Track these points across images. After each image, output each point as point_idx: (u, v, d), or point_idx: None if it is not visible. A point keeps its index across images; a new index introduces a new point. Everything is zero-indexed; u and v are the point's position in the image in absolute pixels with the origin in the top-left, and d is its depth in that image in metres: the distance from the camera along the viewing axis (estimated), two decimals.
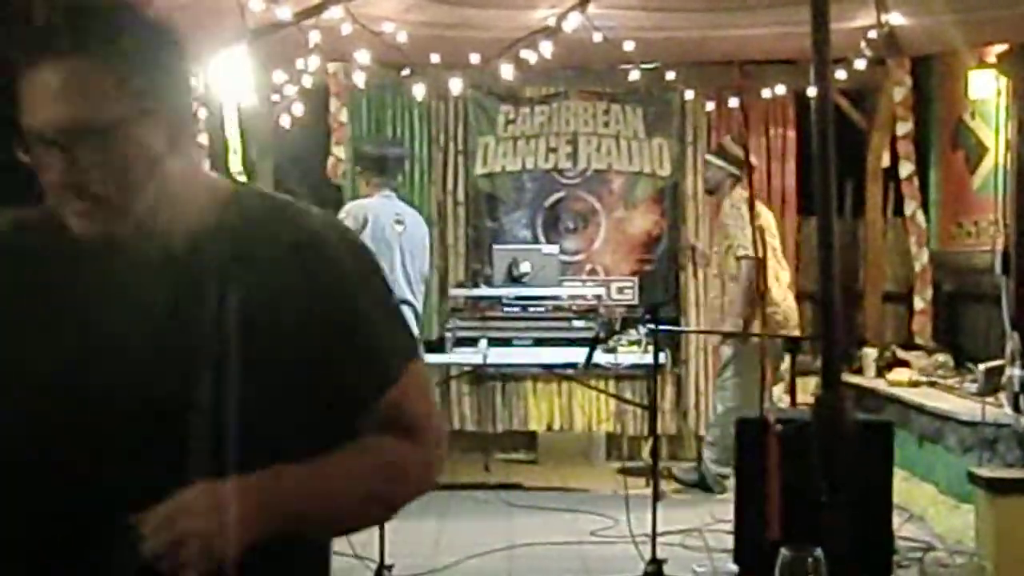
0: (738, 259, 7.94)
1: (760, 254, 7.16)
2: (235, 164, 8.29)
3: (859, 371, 8.55)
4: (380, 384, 1.90)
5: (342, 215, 7.21)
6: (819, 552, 2.11)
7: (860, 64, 8.00)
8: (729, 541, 5.78)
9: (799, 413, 5.74)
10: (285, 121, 8.31)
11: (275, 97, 8.23)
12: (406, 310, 7.59)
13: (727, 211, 8.11)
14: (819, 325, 1.72)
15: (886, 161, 9.32)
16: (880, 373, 8.43)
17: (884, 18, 7.44)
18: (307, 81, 7.79)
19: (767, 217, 8.13)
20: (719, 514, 7.05)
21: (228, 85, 7.60)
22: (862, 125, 9.35)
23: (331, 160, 8.57)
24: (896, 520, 5.55)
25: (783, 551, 2.20)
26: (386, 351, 1.92)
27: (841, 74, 8.02)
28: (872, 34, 7.63)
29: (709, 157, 8.60)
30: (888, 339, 9.21)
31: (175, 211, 1.81)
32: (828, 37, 1.64)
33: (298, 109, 8.21)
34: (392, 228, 7.20)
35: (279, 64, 7.86)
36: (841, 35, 7.43)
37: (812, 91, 1.59)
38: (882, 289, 9.56)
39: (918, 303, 8.97)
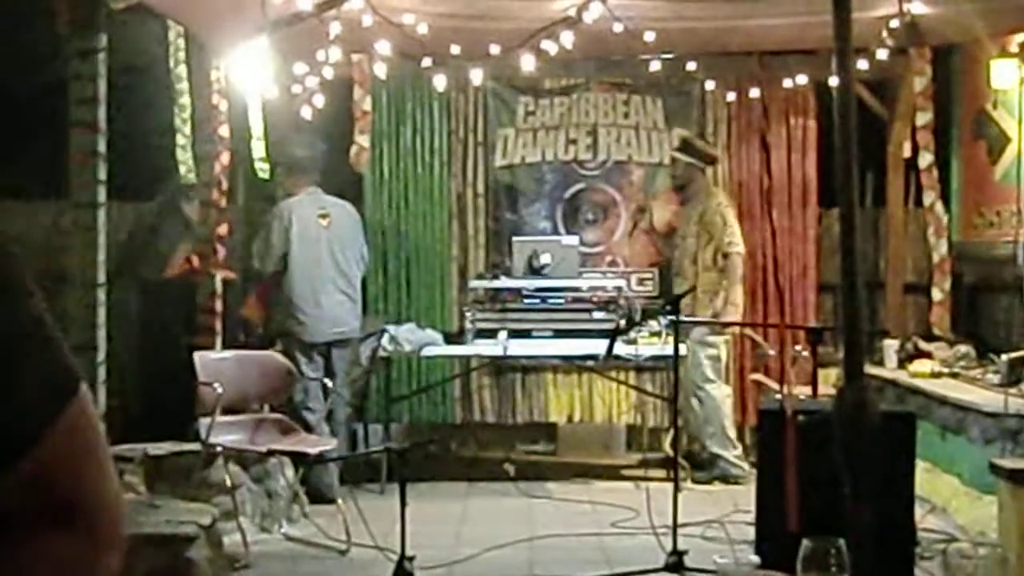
0: (726, 256, 8.38)
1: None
2: (258, 150, 8.31)
3: (880, 362, 8.52)
4: (11, 445, 1.25)
5: (270, 217, 7.54)
6: (841, 543, 2.11)
7: (882, 54, 7.97)
8: (751, 532, 5.78)
9: (820, 404, 5.73)
10: (306, 112, 8.33)
11: (296, 88, 8.24)
12: (343, 301, 7.75)
13: (711, 215, 8.48)
14: (841, 316, 1.71)
15: (907, 151, 9.28)
16: (901, 364, 8.40)
17: (906, 7, 7.41)
18: (328, 72, 7.79)
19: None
20: (741, 505, 7.04)
21: (250, 76, 7.62)
22: (883, 115, 9.32)
23: (355, 148, 8.58)
24: (918, 511, 5.54)
25: (805, 542, 2.20)
26: (27, 391, 1.27)
27: (863, 64, 7.98)
28: (894, 23, 7.60)
29: (675, 154, 8.73)
30: (910, 330, 9.18)
31: None
32: (850, 27, 1.64)
33: (319, 100, 8.22)
34: (316, 223, 7.67)
35: (300, 56, 7.88)
36: (863, 25, 7.41)
37: (833, 81, 1.59)
38: (903, 280, 9.52)
39: (936, 294, 8.94)
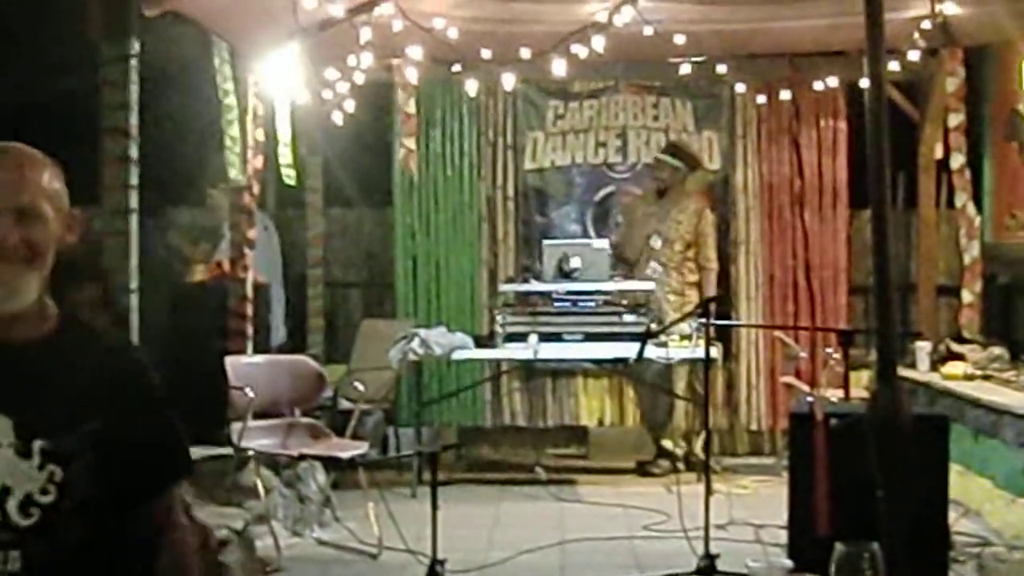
0: (702, 269, 8.77)
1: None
2: (285, 157, 8.32)
3: (912, 365, 8.48)
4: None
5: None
6: (875, 547, 2.10)
7: (913, 55, 7.93)
8: (783, 536, 5.76)
9: (852, 407, 5.71)
10: (337, 118, 8.34)
11: (327, 94, 8.26)
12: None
13: (704, 225, 8.80)
14: (873, 318, 1.71)
15: (939, 153, 9.22)
16: (934, 367, 8.35)
17: (938, 8, 7.38)
18: (359, 78, 7.81)
19: None
20: (773, 508, 7.01)
21: (280, 82, 7.65)
22: (914, 116, 9.27)
23: (402, 151, 8.60)
24: (952, 515, 5.51)
25: (838, 546, 2.19)
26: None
27: (894, 65, 7.94)
28: (926, 24, 7.56)
29: (662, 156, 8.81)
30: (942, 332, 9.12)
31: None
32: (882, 28, 1.63)
33: (350, 106, 8.23)
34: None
35: (331, 61, 7.90)
36: (894, 26, 7.37)
37: (864, 83, 1.59)
38: (935, 282, 9.46)
39: (966, 296, 8.88)
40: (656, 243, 8.70)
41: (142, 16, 5.71)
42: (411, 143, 8.73)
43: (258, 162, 7.95)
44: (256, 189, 8.04)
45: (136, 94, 5.56)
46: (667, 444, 8.68)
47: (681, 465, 8.46)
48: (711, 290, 8.61)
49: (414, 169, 8.96)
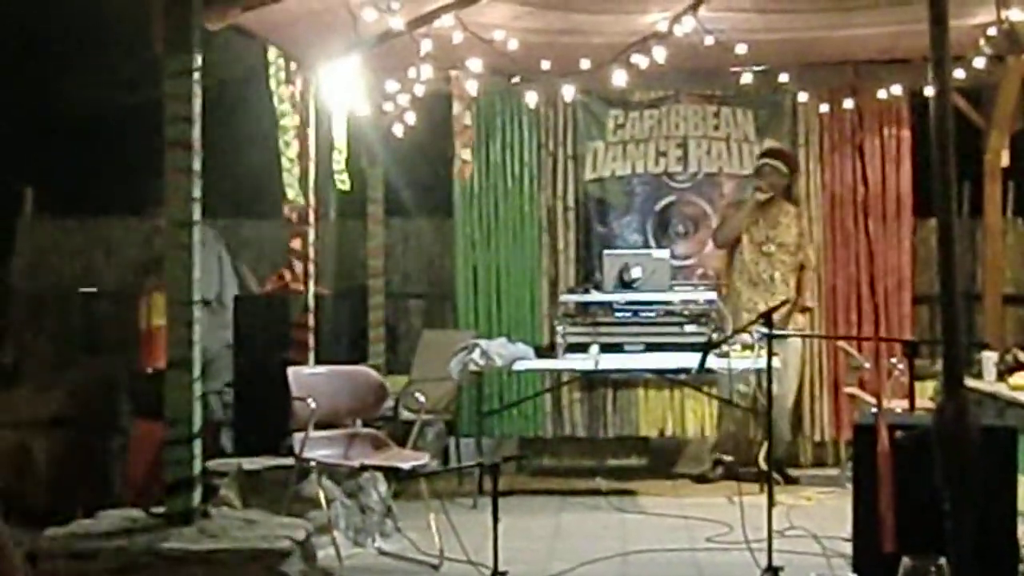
0: (804, 270, 8.82)
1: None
2: (338, 163, 8.33)
3: (979, 375, 8.37)
4: None
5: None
6: (942, 561, 2.07)
7: (978, 62, 7.84)
8: (847, 548, 5.70)
9: (918, 419, 5.64)
10: (397, 130, 8.37)
11: (387, 106, 8.29)
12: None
13: (806, 226, 8.94)
14: (938, 328, 1.68)
15: (1005, 160, 9.12)
16: (1001, 377, 8.23)
17: (1004, 14, 7.28)
18: (419, 90, 7.84)
19: None
20: (837, 520, 6.94)
21: (339, 91, 7.68)
22: (980, 124, 9.17)
23: (457, 163, 8.65)
24: (1021, 528, 5.42)
25: (905, 560, 2.16)
26: None
27: (959, 72, 7.86)
28: (991, 31, 7.47)
29: (769, 162, 8.69)
30: (1009, 342, 9.00)
31: None
32: (947, 36, 1.61)
33: (410, 118, 8.26)
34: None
35: (391, 73, 7.93)
36: (959, 33, 7.29)
37: (929, 90, 1.57)
38: (1001, 290, 9.35)
39: None
40: (769, 248, 8.66)
41: (207, 31, 5.77)
42: (467, 154, 8.75)
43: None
44: (312, 200, 8.08)
45: (199, 107, 5.60)
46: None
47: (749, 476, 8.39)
48: (812, 289, 8.81)
49: (468, 180, 8.96)
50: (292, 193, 7.64)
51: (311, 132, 7.77)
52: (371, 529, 6.99)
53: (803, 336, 9.06)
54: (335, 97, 7.78)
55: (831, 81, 9.10)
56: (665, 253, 8.93)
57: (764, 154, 8.89)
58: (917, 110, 9.13)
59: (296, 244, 8.09)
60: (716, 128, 9.44)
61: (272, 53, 7.41)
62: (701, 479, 8.68)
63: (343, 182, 8.36)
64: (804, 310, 8.74)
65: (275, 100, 7.47)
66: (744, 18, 7.31)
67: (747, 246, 8.73)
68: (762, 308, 8.27)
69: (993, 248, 9.35)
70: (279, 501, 6.49)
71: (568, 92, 8.13)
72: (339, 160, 8.11)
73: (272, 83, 7.44)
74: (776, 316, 6.32)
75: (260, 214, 10.49)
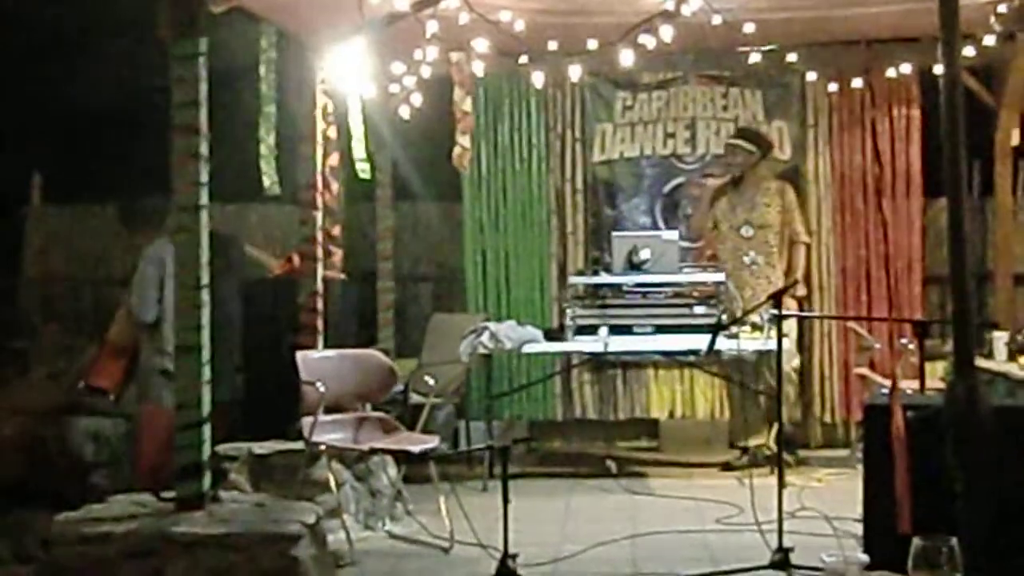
0: (793, 243, 8.78)
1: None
2: (359, 151, 8.34)
3: (989, 355, 8.35)
4: None
5: (143, 263, 7.30)
6: (954, 542, 2.06)
7: (989, 40, 7.79)
8: (858, 529, 5.69)
9: (928, 399, 5.62)
10: (404, 112, 8.35)
11: (394, 88, 8.26)
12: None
13: (791, 199, 8.81)
14: (949, 308, 1.67)
15: (1015, 139, 9.08)
16: (1011, 356, 8.21)
17: None
18: (426, 72, 7.82)
19: None
20: (848, 501, 6.93)
21: (349, 77, 7.66)
22: (990, 103, 9.12)
23: (456, 149, 8.62)
24: None
25: (916, 541, 2.15)
26: None
27: (969, 51, 7.81)
28: (1002, 8, 7.42)
29: (734, 141, 8.72)
30: (1020, 322, 8.97)
31: None
32: (957, 13, 1.59)
33: (417, 100, 8.24)
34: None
35: (398, 55, 7.91)
36: (970, 10, 7.19)
37: (939, 69, 1.55)
38: (1012, 270, 9.32)
39: None
40: (748, 232, 8.63)
41: (214, 16, 5.75)
42: (466, 141, 8.74)
43: (334, 160, 7.99)
44: (335, 188, 8.07)
45: (205, 91, 5.59)
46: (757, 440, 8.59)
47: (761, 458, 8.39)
48: (802, 265, 8.77)
49: (467, 167, 8.93)
50: (268, 181, 7.62)
51: (324, 119, 7.74)
52: (381, 512, 7.00)
53: (813, 317, 9.05)
54: (346, 82, 7.75)
55: (840, 61, 9.06)
56: (674, 234, 8.90)
57: (733, 134, 8.91)
58: (927, 89, 9.09)
59: (336, 231, 8.11)
60: (725, 109, 9.42)
61: (264, 42, 7.39)
62: (727, 467, 8.64)
63: (364, 172, 8.33)
64: (795, 296, 8.62)
65: (262, 87, 7.45)
66: None
67: (726, 234, 8.71)
68: (750, 295, 8.31)
69: (1004, 228, 9.31)
70: (289, 485, 6.50)
71: (575, 73, 8.10)
72: (359, 150, 8.07)
73: (262, 70, 7.42)
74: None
75: (267, 198, 10.48)
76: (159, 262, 7.19)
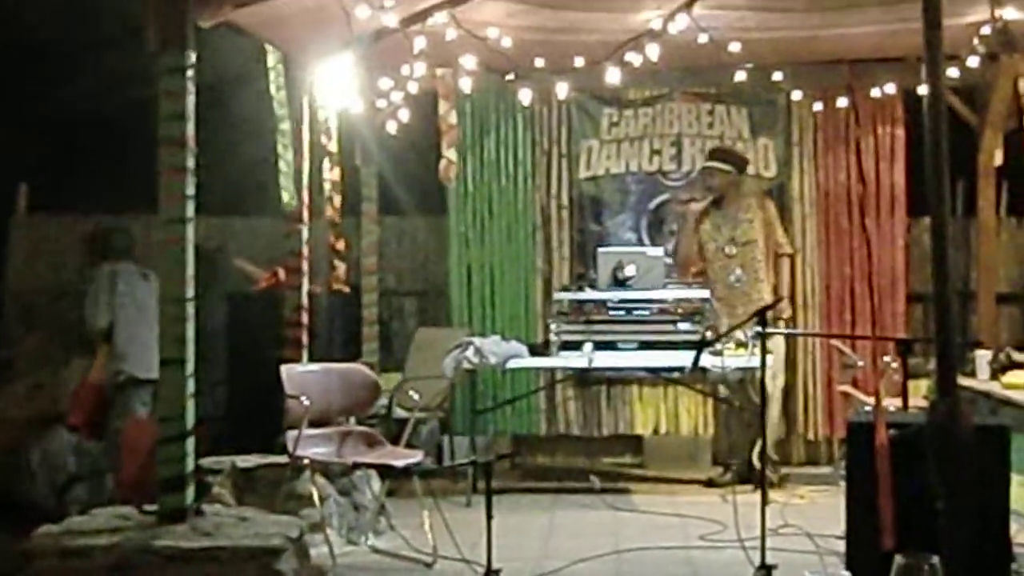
0: (782, 256, 8.79)
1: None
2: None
3: (972, 374, 8.38)
4: None
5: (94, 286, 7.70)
6: (935, 559, 2.07)
7: (972, 61, 7.84)
8: (841, 546, 5.70)
9: (911, 416, 5.64)
10: (391, 127, 8.36)
11: (381, 103, 8.27)
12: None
13: (771, 212, 8.79)
14: (932, 327, 1.68)
15: (998, 159, 9.13)
16: (994, 375, 8.25)
17: (998, 13, 7.29)
18: (413, 87, 7.83)
19: None
20: (831, 518, 6.95)
21: (333, 91, 7.66)
22: (973, 123, 9.17)
23: (443, 162, 8.63)
24: (1013, 527, 5.42)
25: (898, 558, 2.16)
26: None
27: (953, 71, 7.86)
28: (985, 30, 7.47)
29: (713, 164, 8.71)
30: (1003, 341, 9.01)
31: None
32: (940, 34, 1.61)
33: (404, 115, 8.25)
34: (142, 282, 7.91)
35: (385, 71, 7.92)
36: (953, 31, 7.29)
37: (923, 89, 1.56)
38: (995, 290, 9.36)
39: None
40: (732, 250, 8.63)
41: (201, 30, 5.76)
42: (451, 154, 8.74)
43: (335, 174, 7.99)
44: (337, 201, 8.07)
45: (192, 105, 5.60)
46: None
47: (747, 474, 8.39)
48: (787, 277, 8.77)
49: (453, 180, 8.94)
50: (287, 196, 7.61)
51: (305, 131, 7.74)
52: (364, 527, 6.99)
53: (797, 334, 9.06)
54: (329, 98, 7.74)
55: (825, 79, 9.10)
56: (659, 251, 8.92)
57: (706, 157, 8.91)
58: (911, 109, 9.13)
59: (340, 246, 8.11)
60: (710, 126, 9.45)
61: (272, 58, 7.39)
62: (710, 484, 8.64)
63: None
64: (781, 317, 8.62)
65: (275, 105, 7.44)
66: (738, 16, 7.31)
67: (713, 255, 8.72)
68: (740, 312, 8.31)
69: (987, 247, 9.36)
70: (272, 499, 6.49)
71: (562, 90, 8.12)
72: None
73: (272, 88, 7.42)
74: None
75: (251, 211, 10.46)
76: (111, 274, 7.72)
